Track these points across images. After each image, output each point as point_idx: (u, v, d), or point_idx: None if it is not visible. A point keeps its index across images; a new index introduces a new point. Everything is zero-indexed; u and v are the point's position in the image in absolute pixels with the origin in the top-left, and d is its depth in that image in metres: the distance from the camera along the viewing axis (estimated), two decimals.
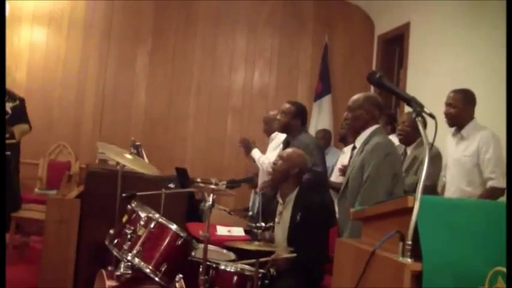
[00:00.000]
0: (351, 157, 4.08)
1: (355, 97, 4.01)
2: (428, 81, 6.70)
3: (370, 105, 3.93)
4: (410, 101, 2.42)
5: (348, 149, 5.80)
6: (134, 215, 4.04)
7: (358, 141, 3.94)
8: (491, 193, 4.40)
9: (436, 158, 4.99)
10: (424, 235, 2.01)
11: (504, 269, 2.02)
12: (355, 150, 3.96)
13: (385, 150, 3.76)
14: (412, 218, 1.99)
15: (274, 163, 4.61)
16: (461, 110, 4.62)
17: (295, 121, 5.40)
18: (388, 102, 7.51)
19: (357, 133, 3.98)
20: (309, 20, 8.54)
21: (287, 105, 5.48)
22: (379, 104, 3.98)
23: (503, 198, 4.44)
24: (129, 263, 3.85)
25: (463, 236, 2.10)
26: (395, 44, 8.03)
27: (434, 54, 6.73)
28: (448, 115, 4.64)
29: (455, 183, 4.68)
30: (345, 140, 6.64)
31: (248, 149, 5.99)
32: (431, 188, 5.01)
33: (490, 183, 4.44)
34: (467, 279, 2.02)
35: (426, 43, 6.95)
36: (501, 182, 4.42)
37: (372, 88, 6.62)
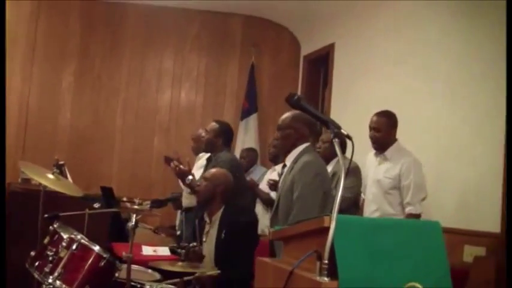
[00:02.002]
0: (280, 175, 4.10)
1: (283, 116, 4.05)
2: (351, 101, 6.84)
3: (299, 123, 3.96)
4: (328, 123, 2.48)
5: (279, 167, 5.85)
6: (56, 236, 3.97)
7: (288, 160, 3.97)
8: (409, 218, 4.53)
9: (356, 171, 5.11)
10: (340, 254, 2.04)
11: (418, 285, 2.09)
12: (285, 168, 3.99)
13: (314, 170, 3.81)
14: (328, 238, 2.03)
15: (198, 184, 4.64)
16: (385, 133, 4.76)
17: (217, 139, 5.47)
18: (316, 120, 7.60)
19: (287, 152, 4.00)
20: (237, 39, 8.59)
21: (212, 124, 5.58)
22: (308, 121, 3.98)
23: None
24: (51, 286, 3.77)
25: (379, 254, 2.14)
26: (320, 64, 8.17)
27: (358, 74, 6.87)
28: (373, 139, 4.76)
29: (377, 203, 4.79)
30: (276, 159, 6.68)
31: (183, 177, 5.98)
32: (354, 200, 5.13)
33: (407, 210, 4.60)
34: None
35: (350, 63, 7.10)
36: (418, 209, 4.59)
37: None
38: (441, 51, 5.40)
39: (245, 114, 8.30)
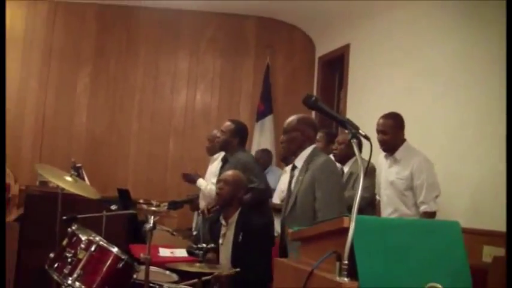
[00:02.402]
0: (291, 177, 4.10)
1: (289, 119, 4.12)
2: (367, 102, 6.84)
3: (304, 126, 4.03)
4: (346, 123, 2.48)
5: (289, 168, 5.87)
6: (75, 238, 3.99)
7: (299, 161, 4.00)
8: (425, 217, 4.55)
9: (372, 172, 5.10)
10: (360, 255, 2.04)
11: (437, 285, 2.08)
12: (296, 170, 4.02)
13: (334, 166, 4.03)
14: (348, 238, 2.03)
15: (219, 188, 4.63)
16: (393, 135, 4.77)
17: (233, 139, 5.47)
18: (330, 122, 7.61)
19: (293, 154, 4.07)
20: (251, 41, 8.60)
21: (227, 123, 5.57)
22: (313, 124, 4.12)
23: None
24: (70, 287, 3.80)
25: (398, 254, 2.14)
26: (336, 66, 8.16)
27: (373, 75, 6.87)
28: (381, 142, 4.76)
29: (392, 204, 4.80)
30: (287, 160, 6.70)
31: (193, 182, 6.03)
32: (371, 200, 5.13)
33: (422, 208, 4.61)
34: None
35: (365, 65, 7.10)
36: (432, 207, 4.60)
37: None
38: (454, 51, 5.40)
39: (260, 115, 8.32)
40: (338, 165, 5.38)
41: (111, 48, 8.39)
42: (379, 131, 4.79)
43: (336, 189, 3.86)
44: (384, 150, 4.83)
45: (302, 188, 3.85)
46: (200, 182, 5.95)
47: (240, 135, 5.52)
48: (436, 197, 4.64)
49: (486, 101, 4.94)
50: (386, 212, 4.85)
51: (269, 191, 5.61)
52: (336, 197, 3.82)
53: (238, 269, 4.06)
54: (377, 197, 5.08)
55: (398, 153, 4.77)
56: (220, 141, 5.56)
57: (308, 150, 3.98)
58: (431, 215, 4.59)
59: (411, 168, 4.64)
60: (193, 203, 6.32)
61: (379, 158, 5.01)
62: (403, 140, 4.81)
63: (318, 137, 6.21)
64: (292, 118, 4.09)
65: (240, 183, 4.66)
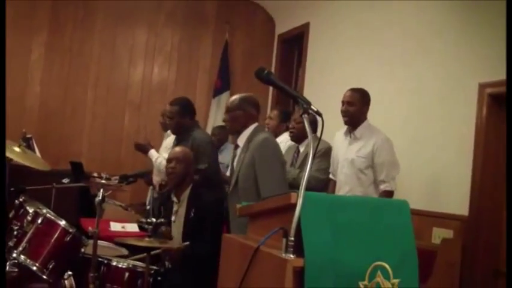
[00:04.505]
0: (234, 155, 4.19)
1: (232, 98, 4.25)
2: (325, 81, 6.85)
3: (247, 105, 4.13)
4: (297, 98, 2.45)
5: None
6: (22, 210, 3.93)
7: (241, 140, 4.10)
8: (384, 196, 4.54)
9: (329, 152, 5.08)
10: (307, 231, 2.03)
11: (383, 264, 2.08)
12: (239, 149, 4.10)
13: (273, 144, 4.04)
14: (295, 215, 2.01)
15: (172, 167, 4.57)
16: (358, 108, 4.71)
17: (183, 119, 5.30)
18: (287, 100, 7.61)
19: (237, 133, 4.15)
20: (211, 16, 8.51)
21: (170, 107, 5.37)
22: (256, 103, 4.21)
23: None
24: (15, 261, 3.72)
25: (345, 232, 2.13)
26: (295, 44, 8.16)
27: (332, 54, 6.89)
28: (345, 113, 4.71)
29: (349, 183, 4.75)
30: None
31: (145, 151, 5.89)
32: (328, 182, 5.11)
33: (382, 187, 4.59)
34: (348, 274, 2.06)
35: (324, 43, 7.11)
36: (392, 186, 4.59)
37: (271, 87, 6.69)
38: (412, 30, 5.45)
39: (217, 91, 8.26)
40: (294, 144, 5.39)
41: (67, 19, 8.17)
42: (344, 102, 4.74)
43: (274, 167, 3.91)
44: (346, 123, 4.77)
45: (243, 167, 3.93)
46: (152, 152, 5.78)
47: (187, 111, 5.34)
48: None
49: (444, 82, 4.98)
50: (342, 191, 4.79)
51: (218, 173, 5.48)
52: (275, 175, 3.87)
53: (187, 243, 4.04)
54: (331, 176, 5.06)
55: (359, 131, 4.73)
56: (173, 126, 5.37)
57: (250, 129, 4.07)
58: (391, 194, 4.59)
59: (372, 147, 4.61)
60: (145, 177, 6.25)
61: (336, 136, 4.98)
62: (365, 118, 4.79)
63: (271, 115, 6.21)
64: (234, 97, 4.20)
65: (190, 159, 4.62)
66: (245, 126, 4.09)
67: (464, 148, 4.61)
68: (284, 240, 2.04)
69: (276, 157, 3.99)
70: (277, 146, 4.10)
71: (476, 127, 4.54)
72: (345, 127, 4.83)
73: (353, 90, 4.79)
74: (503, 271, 4.27)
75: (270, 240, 2.14)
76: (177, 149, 4.76)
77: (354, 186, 4.71)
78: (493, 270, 4.38)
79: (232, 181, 4.04)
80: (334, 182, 4.95)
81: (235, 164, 4.09)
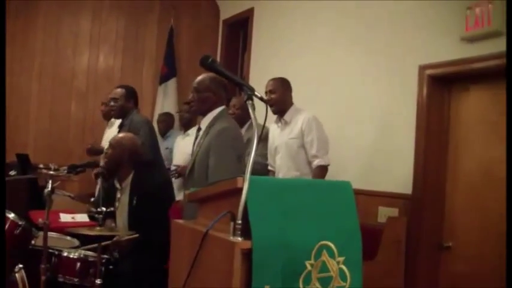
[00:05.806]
0: (196, 138, 4.00)
1: (200, 78, 3.97)
2: (270, 65, 6.89)
3: (216, 86, 3.91)
4: (242, 85, 2.48)
5: (192, 132, 5.85)
6: None
7: (204, 123, 3.91)
8: (319, 171, 4.68)
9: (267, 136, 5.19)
10: (253, 214, 2.07)
11: (328, 243, 2.15)
12: (201, 132, 3.92)
13: (231, 135, 3.79)
14: (241, 198, 2.05)
15: (105, 152, 4.57)
16: (282, 94, 4.91)
17: (128, 103, 5.49)
18: (233, 87, 7.63)
19: (203, 115, 3.95)
20: (156, 2, 8.46)
21: (117, 90, 5.55)
22: (225, 84, 3.95)
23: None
24: None
25: (291, 214, 2.17)
26: (240, 29, 8.19)
27: (276, 39, 6.94)
28: (271, 101, 4.83)
29: (285, 166, 4.89)
30: (189, 123, 6.67)
31: (100, 153, 5.99)
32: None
33: (315, 162, 4.72)
34: (295, 254, 2.10)
35: (269, 28, 7.14)
36: (326, 160, 4.72)
37: None
38: (357, 14, 5.52)
39: (164, 78, 8.22)
40: None
41: (9, 6, 8.00)
42: (267, 92, 4.91)
43: (227, 159, 3.68)
44: (274, 111, 4.90)
45: (200, 151, 3.79)
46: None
47: (133, 97, 5.54)
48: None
49: (387, 65, 5.08)
50: (281, 174, 4.90)
51: (157, 153, 5.51)
52: (227, 167, 3.62)
53: (137, 235, 4.04)
54: (270, 167, 5.14)
55: (288, 116, 4.91)
56: (117, 108, 5.45)
57: (214, 113, 3.88)
58: (324, 168, 4.71)
59: (301, 126, 4.77)
60: (94, 167, 6.23)
61: (271, 127, 5.13)
62: (291, 103, 4.95)
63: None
64: (203, 77, 3.95)
65: (125, 144, 4.56)
66: (211, 109, 3.89)
67: (407, 129, 4.73)
68: (232, 223, 2.09)
69: (232, 149, 3.72)
70: (236, 137, 3.87)
71: (418, 107, 4.66)
72: (275, 117, 5.00)
73: (273, 79, 5.00)
74: (446, 246, 4.50)
75: (219, 224, 2.17)
76: (117, 135, 4.77)
77: (290, 168, 4.83)
78: (437, 244, 4.54)
79: (190, 164, 3.91)
80: (273, 173, 5.07)
81: (194, 147, 3.94)
